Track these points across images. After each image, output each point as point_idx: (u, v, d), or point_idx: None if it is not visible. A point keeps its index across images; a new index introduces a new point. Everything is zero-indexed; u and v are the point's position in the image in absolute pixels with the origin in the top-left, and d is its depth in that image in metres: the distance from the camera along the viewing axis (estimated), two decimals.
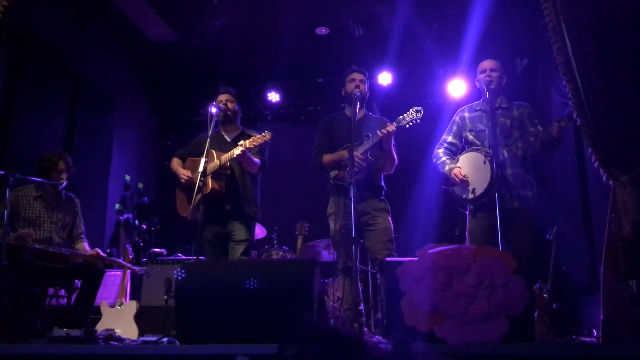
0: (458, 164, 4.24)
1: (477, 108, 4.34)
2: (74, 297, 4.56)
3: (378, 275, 5.45)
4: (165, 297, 5.00)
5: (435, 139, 4.60)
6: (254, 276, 2.99)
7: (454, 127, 4.43)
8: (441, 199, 6.30)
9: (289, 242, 6.31)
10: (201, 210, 4.11)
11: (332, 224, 4.41)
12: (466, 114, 4.39)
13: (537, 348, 2.79)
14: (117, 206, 7.34)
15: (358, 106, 4.29)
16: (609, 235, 3.30)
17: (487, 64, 4.28)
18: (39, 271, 4.26)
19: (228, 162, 4.34)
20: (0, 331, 3.44)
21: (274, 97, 8.24)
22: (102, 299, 5.12)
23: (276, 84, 8.22)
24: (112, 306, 5.04)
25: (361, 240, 4.37)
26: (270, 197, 6.52)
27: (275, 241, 6.34)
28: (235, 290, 2.93)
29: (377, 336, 3.88)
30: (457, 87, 7.14)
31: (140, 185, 7.92)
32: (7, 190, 4.07)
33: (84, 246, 4.68)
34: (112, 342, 3.30)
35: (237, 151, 4.21)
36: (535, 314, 4.68)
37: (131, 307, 5.01)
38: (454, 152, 4.40)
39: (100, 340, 3.28)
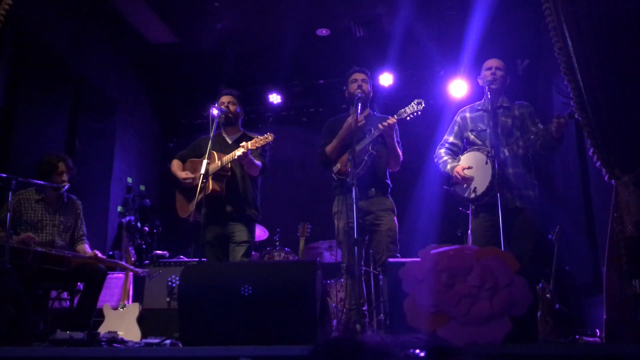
0: (459, 164, 4.24)
1: (479, 108, 4.34)
2: (76, 299, 4.57)
3: (380, 276, 5.46)
4: (168, 299, 5.00)
5: (437, 139, 4.60)
6: (257, 278, 3.00)
7: (456, 128, 4.43)
8: (443, 200, 6.30)
9: (291, 243, 6.32)
10: (203, 212, 4.12)
11: (336, 223, 4.40)
12: (467, 114, 4.39)
13: (540, 348, 2.78)
14: (119, 209, 7.34)
15: (360, 106, 4.29)
16: (612, 234, 3.29)
17: (493, 62, 4.27)
18: (41, 274, 4.27)
19: (229, 164, 4.34)
20: (4, 334, 3.45)
21: (275, 98, 8.25)
22: (105, 301, 5.13)
23: (277, 86, 8.22)
24: (115, 308, 5.04)
25: (365, 240, 4.37)
26: (272, 198, 6.54)
27: (277, 243, 6.35)
28: (237, 292, 2.92)
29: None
30: (458, 88, 7.13)
31: (142, 188, 7.93)
32: (10, 193, 4.08)
33: (84, 248, 4.69)
34: (115, 345, 3.30)
35: (238, 152, 4.21)
36: (538, 314, 4.67)
37: (134, 309, 5.01)
38: (456, 153, 4.40)
39: (103, 343, 3.28)
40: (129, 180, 7.66)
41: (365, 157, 4.19)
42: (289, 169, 8.15)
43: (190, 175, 4.49)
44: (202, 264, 4.22)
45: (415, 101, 4.15)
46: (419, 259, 2.91)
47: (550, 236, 5.21)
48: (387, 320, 4.40)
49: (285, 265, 3.85)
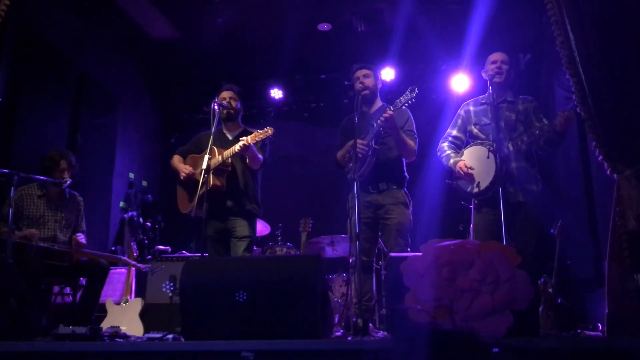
0: (462, 158, 4.22)
1: (483, 102, 4.32)
2: (79, 294, 4.58)
3: (383, 271, 5.46)
4: (170, 294, 5.02)
5: (439, 134, 4.58)
6: (259, 272, 3.00)
7: (459, 121, 4.42)
8: (445, 194, 6.29)
9: (292, 238, 6.32)
10: (205, 207, 4.12)
11: (350, 217, 4.39)
12: (471, 108, 4.37)
13: (542, 342, 2.78)
14: (121, 204, 7.35)
15: (362, 102, 4.29)
16: (614, 229, 3.29)
17: (498, 55, 4.25)
18: (44, 269, 4.29)
19: (229, 159, 4.34)
20: (6, 329, 3.46)
21: (276, 94, 8.24)
22: (107, 296, 5.14)
23: (279, 81, 8.21)
24: (118, 303, 5.06)
25: (376, 234, 4.36)
26: (274, 193, 6.53)
27: (279, 238, 6.35)
28: (239, 287, 2.93)
29: (381, 332, 3.88)
30: (460, 82, 7.12)
31: (144, 183, 7.94)
32: (12, 189, 4.09)
33: (76, 236, 4.62)
34: (118, 339, 3.31)
35: (238, 146, 4.21)
36: (540, 309, 4.67)
37: (136, 304, 5.03)
38: (459, 146, 4.39)
39: (105, 338, 3.29)
40: (131, 175, 7.67)
41: (369, 153, 4.17)
42: (290, 164, 8.14)
43: (190, 169, 4.50)
44: (204, 259, 4.22)
45: (409, 89, 4.11)
46: (421, 253, 2.91)
47: (552, 230, 5.21)
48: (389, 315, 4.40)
49: (287, 259, 3.85)
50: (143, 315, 4.96)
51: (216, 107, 4.41)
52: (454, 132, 4.42)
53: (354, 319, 3.56)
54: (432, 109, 7.00)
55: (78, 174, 4.79)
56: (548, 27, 3.73)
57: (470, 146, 4.26)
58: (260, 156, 4.44)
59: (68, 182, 4.56)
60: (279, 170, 7.63)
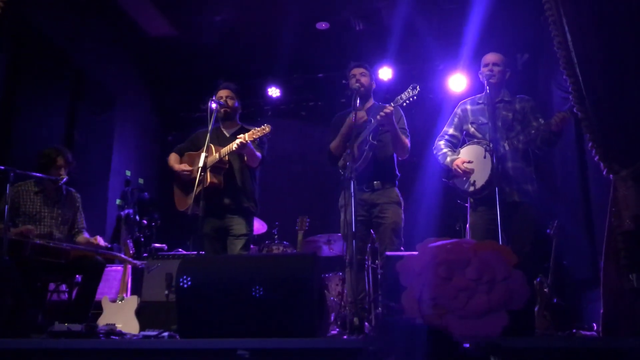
0: (459, 157, 4.24)
1: (480, 101, 4.33)
2: (75, 292, 4.58)
3: (379, 270, 5.46)
4: (166, 292, 5.01)
5: (436, 133, 4.59)
6: (255, 270, 3.00)
7: (456, 120, 4.43)
8: (442, 193, 6.30)
9: (289, 237, 6.32)
10: (202, 205, 4.12)
11: (342, 216, 4.41)
12: (468, 107, 4.38)
13: (538, 342, 2.79)
14: (117, 202, 7.34)
15: (359, 99, 4.31)
16: (610, 229, 3.29)
17: (490, 57, 4.27)
18: (40, 266, 4.28)
19: (227, 156, 4.34)
20: (2, 326, 3.46)
21: (274, 92, 8.23)
22: (103, 294, 5.14)
23: (277, 79, 8.21)
24: (113, 301, 5.05)
25: (370, 232, 4.38)
26: (270, 192, 6.53)
27: (275, 236, 6.35)
28: (236, 285, 2.93)
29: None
30: (457, 82, 7.14)
31: (141, 181, 7.93)
32: (8, 185, 4.09)
33: (84, 236, 4.69)
34: (113, 337, 3.31)
35: (235, 144, 4.21)
36: (536, 308, 4.69)
37: (132, 302, 5.02)
38: (455, 145, 4.39)
39: (101, 335, 3.29)
40: (128, 173, 7.65)
41: (366, 148, 4.19)
42: (288, 163, 8.14)
43: (187, 167, 4.50)
44: (201, 257, 4.22)
45: (411, 86, 4.15)
46: (417, 252, 2.91)
47: (548, 231, 5.22)
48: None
49: (284, 257, 3.85)
50: (139, 312, 4.95)
51: (213, 105, 4.40)
52: (451, 131, 4.43)
53: (350, 318, 3.56)
54: (429, 108, 7.00)
55: (75, 171, 4.79)
56: (546, 27, 3.74)
57: (466, 145, 4.27)
58: (258, 154, 4.44)
59: (65, 179, 4.56)
60: (276, 168, 7.63)
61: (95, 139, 7.12)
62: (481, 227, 4.08)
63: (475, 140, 4.21)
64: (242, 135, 4.23)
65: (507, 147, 4.03)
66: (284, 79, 8.23)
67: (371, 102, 4.57)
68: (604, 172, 3.34)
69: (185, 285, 2.94)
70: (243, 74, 7.86)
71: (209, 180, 4.25)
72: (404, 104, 4.16)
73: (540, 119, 4.10)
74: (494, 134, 4.01)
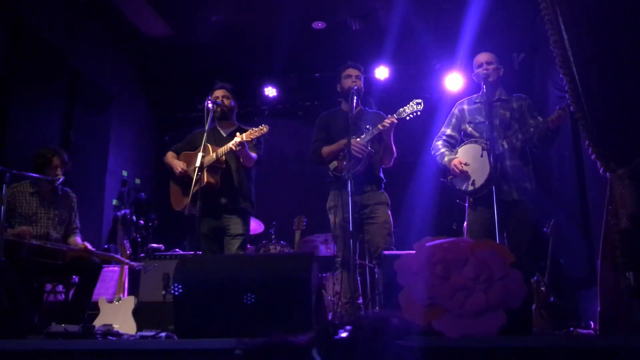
0: (457, 156, 4.24)
1: (477, 101, 4.34)
2: (71, 292, 4.56)
3: (376, 269, 5.47)
4: (163, 292, 5.00)
5: (433, 133, 4.60)
6: (252, 270, 3.00)
7: (453, 120, 4.43)
8: (439, 193, 6.31)
9: (286, 236, 6.33)
10: (199, 204, 4.11)
11: (332, 218, 4.42)
12: (465, 106, 4.39)
13: (535, 341, 2.79)
14: (114, 202, 7.33)
15: (355, 101, 4.30)
16: (606, 227, 3.30)
17: (482, 57, 4.28)
18: (36, 267, 4.26)
19: (224, 156, 4.33)
20: None
21: (270, 92, 8.24)
22: (100, 294, 5.12)
23: (273, 79, 8.21)
24: (110, 302, 5.04)
25: (361, 234, 4.39)
26: (268, 192, 6.52)
27: (273, 236, 6.35)
28: (233, 285, 2.92)
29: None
30: (454, 81, 7.15)
31: (138, 181, 7.91)
32: (4, 186, 4.07)
33: (76, 240, 4.68)
34: (110, 337, 3.30)
35: (232, 144, 4.21)
36: (533, 307, 4.69)
37: (129, 302, 5.01)
38: (453, 145, 4.40)
39: (98, 336, 3.28)
40: (124, 173, 7.64)
41: (366, 150, 4.21)
42: (284, 163, 8.15)
43: (184, 165, 4.49)
44: (197, 257, 4.22)
45: (415, 101, 4.21)
46: (414, 252, 2.91)
47: (545, 229, 5.22)
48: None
49: (281, 257, 3.85)
50: (136, 313, 4.94)
51: (210, 105, 4.40)
52: (448, 131, 4.44)
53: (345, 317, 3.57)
54: (425, 108, 6.91)
55: (71, 172, 4.78)
56: (542, 27, 3.74)
57: (464, 144, 4.27)
58: (254, 154, 4.44)
59: (61, 179, 4.54)
60: (273, 168, 7.64)
61: (92, 139, 7.11)
62: (479, 226, 4.09)
63: (473, 139, 4.22)
64: (239, 135, 4.23)
65: (505, 146, 4.04)
66: (281, 79, 8.23)
67: (359, 107, 4.55)
68: (601, 171, 3.35)
69: (182, 286, 2.94)
70: (239, 74, 7.86)
71: (205, 180, 4.25)
72: (407, 117, 4.20)
73: (538, 117, 4.12)
74: (492, 132, 4.02)
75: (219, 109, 4.54)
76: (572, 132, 5.68)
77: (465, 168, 4.12)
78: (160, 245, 6.53)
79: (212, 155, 4.30)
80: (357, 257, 4.52)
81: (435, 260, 2.77)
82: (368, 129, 4.28)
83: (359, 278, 4.52)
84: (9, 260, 3.90)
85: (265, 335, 2.49)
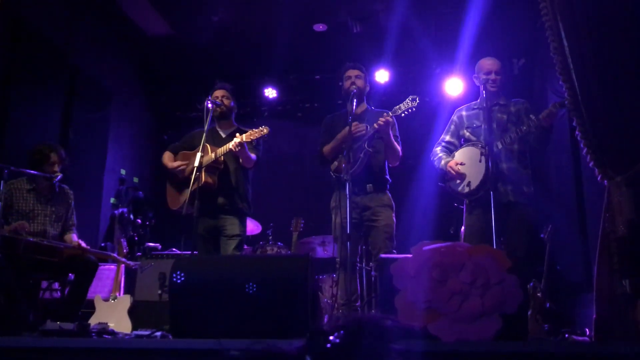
0: (454, 158, 4.25)
1: (475, 107, 4.36)
2: (67, 290, 4.55)
3: (373, 272, 5.47)
4: (159, 291, 5.00)
5: (432, 137, 4.61)
6: (249, 271, 2.99)
7: (452, 126, 4.44)
8: (437, 197, 6.31)
9: (284, 238, 6.32)
10: (196, 204, 4.11)
11: (334, 217, 4.42)
12: (464, 113, 4.41)
13: (530, 346, 2.79)
14: (112, 200, 7.32)
15: (355, 102, 4.30)
16: (603, 234, 3.30)
17: (491, 65, 4.24)
18: (32, 264, 4.26)
19: (222, 157, 4.33)
20: None
21: (270, 93, 8.23)
22: (96, 292, 5.11)
23: (273, 80, 8.21)
24: (106, 300, 5.03)
25: (362, 235, 4.39)
26: (266, 193, 6.52)
27: (270, 237, 6.34)
28: (229, 286, 2.92)
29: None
30: (454, 86, 7.16)
31: (136, 180, 7.91)
32: (1, 182, 4.06)
33: (71, 237, 4.67)
34: (105, 336, 3.29)
35: (231, 144, 4.20)
36: (529, 313, 4.69)
37: (125, 301, 5.00)
38: (452, 151, 4.40)
39: (93, 334, 3.28)
40: (123, 172, 7.63)
41: (361, 155, 4.20)
42: (283, 164, 8.14)
43: (181, 163, 4.49)
44: (194, 257, 4.21)
45: (410, 97, 4.16)
46: (411, 255, 2.92)
47: (542, 235, 5.23)
48: None
49: (278, 259, 3.85)
50: (131, 312, 4.93)
51: (209, 105, 4.40)
52: (447, 137, 4.45)
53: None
54: (425, 112, 7.00)
55: (69, 169, 4.77)
56: (542, 33, 3.75)
57: (462, 147, 4.29)
58: (253, 155, 4.43)
59: (59, 176, 4.53)
60: (272, 169, 7.63)
61: (90, 137, 7.10)
62: (477, 229, 4.09)
63: (471, 142, 4.23)
64: (239, 135, 4.22)
65: (499, 146, 4.05)
66: (281, 80, 8.23)
67: (364, 105, 4.54)
68: (599, 178, 3.35)
69: (179, 285, 2.93)
70: (240, 74, 7.86)
71: (203, 179, 4.25)
72: (402, 114, 4.18)
73: (531, 117, 4.12)
74: (489, 135, 4.02)
75: (218, 109, 4.54)
76: (570, 138, 5.69)
77: (461, 169, 4.12)
78: (157, 244, 6.52)
79: (211, 155, 4.30)
80: (357, 259, 4.52)
81: (433, 264, 2.78)
82: (367, 128, 4.28)
83: (358, 280, 4.52)
84: (5, 257, 3.89)
85: (257, 340, 2.48)
